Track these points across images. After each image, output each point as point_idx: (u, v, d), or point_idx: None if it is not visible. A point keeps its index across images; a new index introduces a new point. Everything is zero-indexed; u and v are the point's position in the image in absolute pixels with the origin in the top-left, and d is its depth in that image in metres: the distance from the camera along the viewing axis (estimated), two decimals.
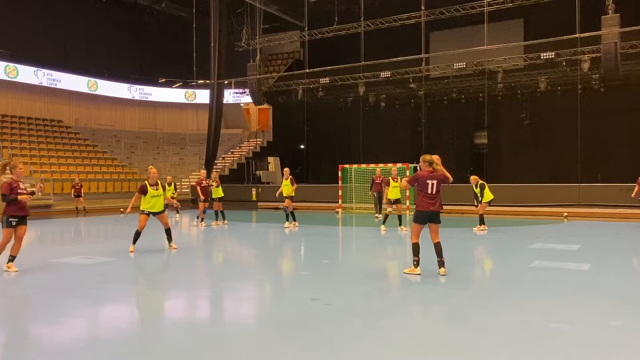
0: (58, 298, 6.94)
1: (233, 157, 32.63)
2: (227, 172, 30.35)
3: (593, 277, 8.13)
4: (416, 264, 7.96)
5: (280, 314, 6.13)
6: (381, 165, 21.83)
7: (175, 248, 10.89)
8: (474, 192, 14.87)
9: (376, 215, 19.24)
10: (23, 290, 7.52)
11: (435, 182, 7.88)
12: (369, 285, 7.52)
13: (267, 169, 32.05)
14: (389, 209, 14.77)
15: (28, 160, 24.53)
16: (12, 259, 8.42)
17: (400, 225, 14.61)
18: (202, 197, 16.30)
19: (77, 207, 22.38)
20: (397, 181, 14.49)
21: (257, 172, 31.39)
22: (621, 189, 19.82)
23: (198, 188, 16.37)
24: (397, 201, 14.70)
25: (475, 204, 15.03)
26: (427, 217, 7.90)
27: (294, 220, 15.72)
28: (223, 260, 10.99)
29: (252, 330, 5.67)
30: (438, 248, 7.96)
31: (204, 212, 16.57)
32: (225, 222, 16.78)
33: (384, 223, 14.69)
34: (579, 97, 23.03)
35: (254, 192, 26.90)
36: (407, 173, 20.68)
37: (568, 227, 15.89)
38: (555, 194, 21.17)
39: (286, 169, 15.84)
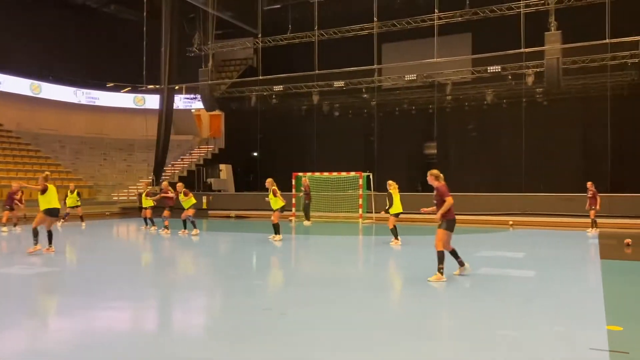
0: None
1: (183, 164, 32.01)
2: (176, 180, 29.71)
3: (538, 283, 8.41)
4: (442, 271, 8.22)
5: (231, 324, 6.00)
6: (335, 173, 21.96)
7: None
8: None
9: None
10: None
11: None
12: (324, 294, 7.48)
13: (219, 177, 31.60)
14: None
15: None
16: None
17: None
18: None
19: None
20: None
21: (208, 180, 30.89)
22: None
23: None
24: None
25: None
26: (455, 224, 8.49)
27: (194, 227, 15.82)
28: (170, 269, 10.69)
29: (200, 341, 5.52)
30: (455, 252, 8.65)
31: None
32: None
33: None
34: (523, 109, 23.94)
35: (204, 201, 26.45)
36: (360, 182, 20.87)
37: (513, 236, 16.41)
38: (501, 203, 21.84)
39: (179, 184, 16.04)
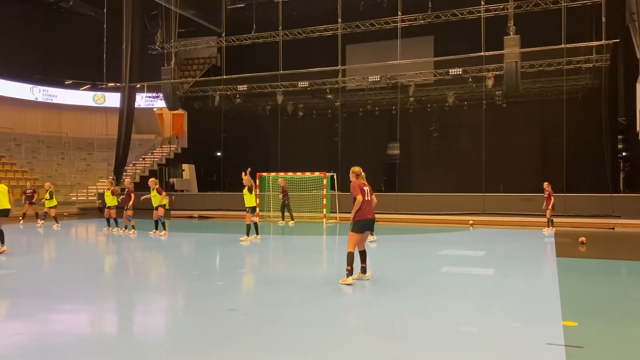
0: None
1: (145, 163, 31.41)
2: (138, 180, 29.15)
3: (498, 281, 8.63)
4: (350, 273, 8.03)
5: (195, 325, 5.94)
6: (299, 173, 21.95)
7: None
8: None
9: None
10: None
11: (368, 189, 8.27)
12: (287, 294, 7.48)
13: (181, 177, 31.15)
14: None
15: None
16: None
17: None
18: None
19: None
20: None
21: (171, 180, 30.42)
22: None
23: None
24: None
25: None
26: (370, 224, 8.24)
27: (164, 229, 15.60)
28: (131, 270, 10.50)
29: (164, 343, 5.44)
30: (364, 255, 8.34)
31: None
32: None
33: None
34: (483, 111, 24.47)
35: (166, 201, 26.03)
36: (324, 182, 20.93)
37: (474, 235, 16.77)
38: (462, 203, 22.30)
39: (151, 179, 15.70)
